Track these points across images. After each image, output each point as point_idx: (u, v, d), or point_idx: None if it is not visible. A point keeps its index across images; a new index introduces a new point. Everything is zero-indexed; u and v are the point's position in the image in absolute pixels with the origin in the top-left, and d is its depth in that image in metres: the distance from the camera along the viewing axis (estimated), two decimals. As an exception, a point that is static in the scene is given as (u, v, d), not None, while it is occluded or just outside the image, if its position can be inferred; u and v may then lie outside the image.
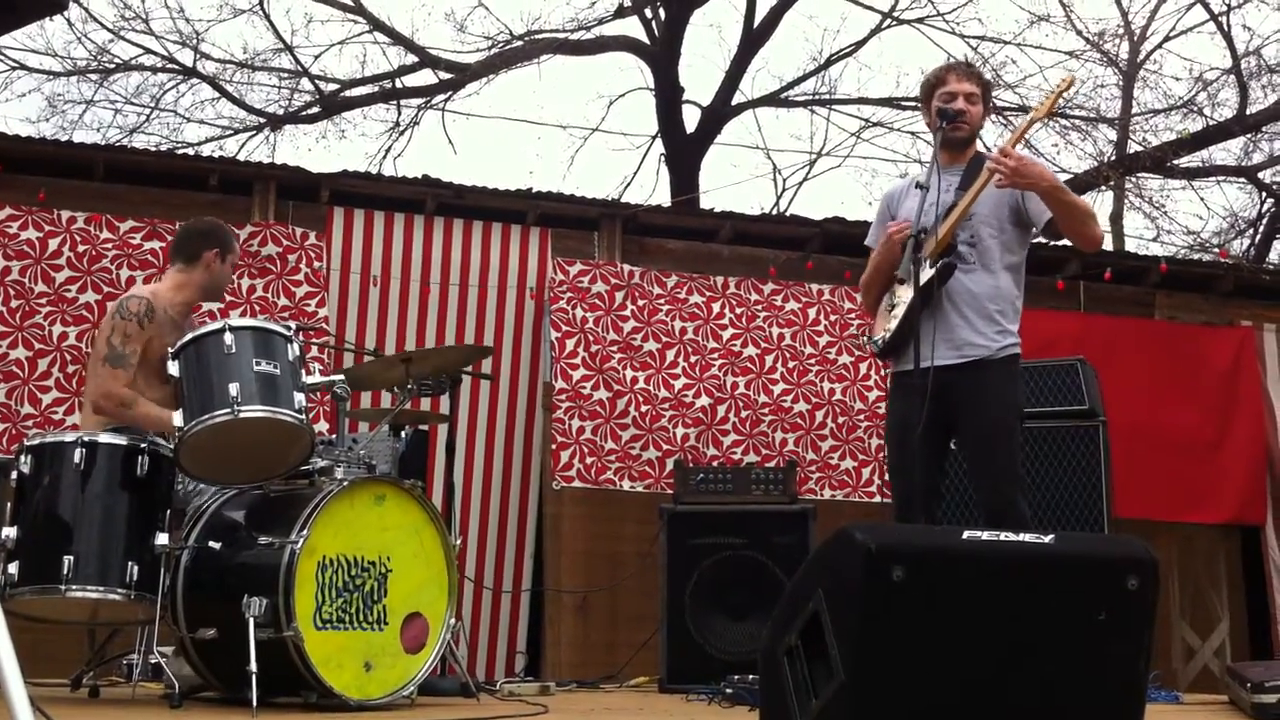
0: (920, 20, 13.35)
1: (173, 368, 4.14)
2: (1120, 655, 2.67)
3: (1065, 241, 4.87)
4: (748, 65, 13.36)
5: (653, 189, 14.22)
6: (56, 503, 4.06)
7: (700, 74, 25.83)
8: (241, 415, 4.02)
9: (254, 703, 3.76)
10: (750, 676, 4.73)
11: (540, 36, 13.27)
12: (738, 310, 7.33)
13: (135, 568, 4.00)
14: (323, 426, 5.96)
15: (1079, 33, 13.35)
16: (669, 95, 12.99)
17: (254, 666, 3.80)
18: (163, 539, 4.06)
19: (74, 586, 3.94)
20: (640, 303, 7.19)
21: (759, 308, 7.36)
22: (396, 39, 13.64)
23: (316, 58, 13.88)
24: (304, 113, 14.03)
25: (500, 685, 5.29)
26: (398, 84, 14.01)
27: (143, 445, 4.14)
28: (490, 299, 7.03)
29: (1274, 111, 12.83)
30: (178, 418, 4.06)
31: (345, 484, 4.16)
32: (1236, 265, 8.97)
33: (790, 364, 7.33)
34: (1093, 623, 2.64)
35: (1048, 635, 2.63)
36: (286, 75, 13.86)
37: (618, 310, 7.14)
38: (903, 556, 2.52)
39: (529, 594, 6.91)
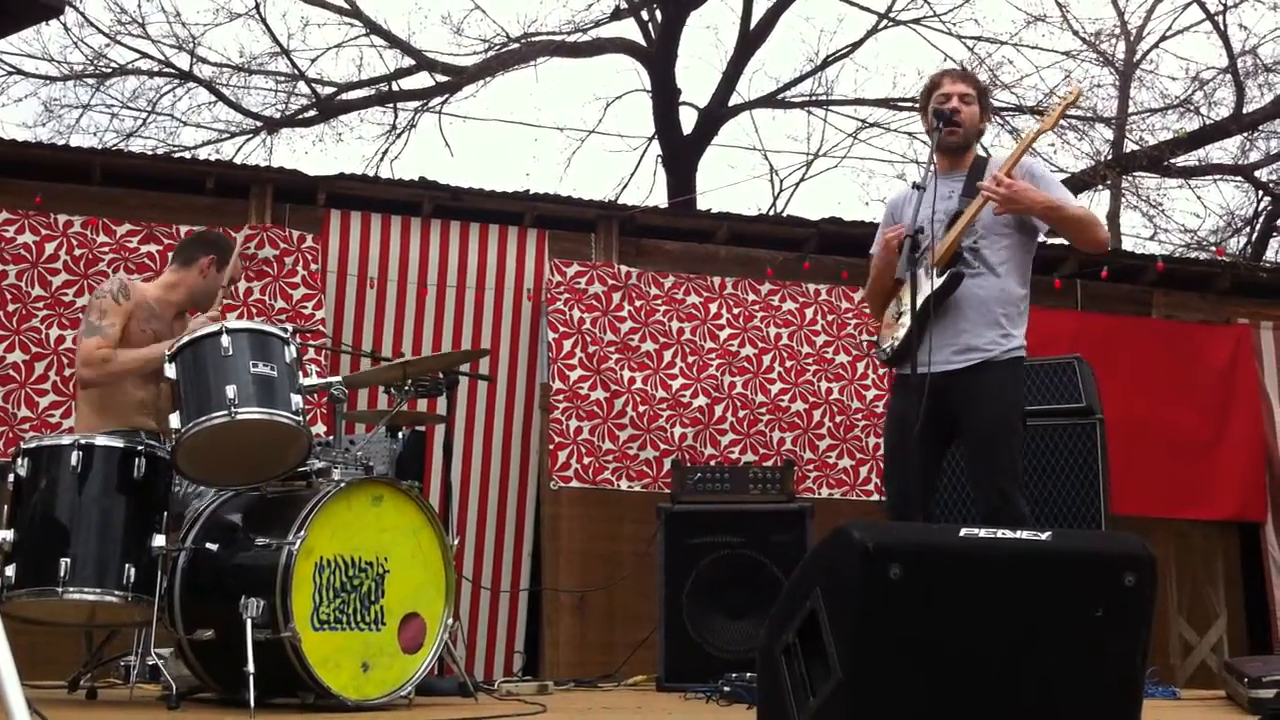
0: (917, 21, 13.35)
1: (170, 370, 4.14)
2: (1118, 652, 2.67)
3: (1063, 240, 4.88)
4: (744, 66, 13.37)
5: (650, 190, 14.21)
6: (53, 505, 4.07)
7: (697, 75, 25.85)
8: (239, 417, 4.03)
9: (252, 703, 3.76)
10: (748, 675, 4.73)
11: (537, 39, 13.27)
12: (735, 310, 7.33)
13: (132, 569, 4.01)
14: (320, 429, 5.96)
15: (1075, 33, 13.36)
16: (666, 97, 12.99)
17: (251, 667, 3.80)
18: (160, 541, 4.06)
19: (71, 589, 3.94)
20: (637, 303, 7.19)
21: (756, 308, 7.36)
22: (393, 42, 13.64)
23: (313, 61, 13.90)
24: (301, 116, 14.02)
25: (498, 685, 5.29)
26: (394, 87, 14.01)
27: (139, 447, 4.15)
28: (487, 301, 7.03)
29: (1270, 110, 12.83)
30: (175, 420, 4.06)
31: (342, 485, 4.17)
32: (1233, 263, 8.97)
33: (788, 363, 7.33)
34: (1090, 619, 2.64)
35: (1045, 632, 2.63)
36: (283, 78, 13.86)
37: (615, 311, 7.15)
38: (900, 555, 2.52)
39: (527, 594, 6.91)
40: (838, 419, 7.32)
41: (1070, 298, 7.86)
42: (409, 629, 4.24)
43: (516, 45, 13.27)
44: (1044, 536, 2.69)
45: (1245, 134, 13.35)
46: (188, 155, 10.49)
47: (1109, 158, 13.06)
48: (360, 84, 13.94)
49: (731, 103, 13.54)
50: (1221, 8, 12.87)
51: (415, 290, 6.92)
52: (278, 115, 13.86)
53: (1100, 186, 13.41)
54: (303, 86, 13.79)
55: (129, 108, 13.52)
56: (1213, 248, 13.66)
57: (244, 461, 4.20)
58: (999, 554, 2.64)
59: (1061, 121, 12.74)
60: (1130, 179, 13.64)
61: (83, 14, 12.70)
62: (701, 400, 7.16)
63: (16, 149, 6.74)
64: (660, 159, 13.41)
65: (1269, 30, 16.32)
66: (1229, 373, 7.85)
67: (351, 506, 4.18)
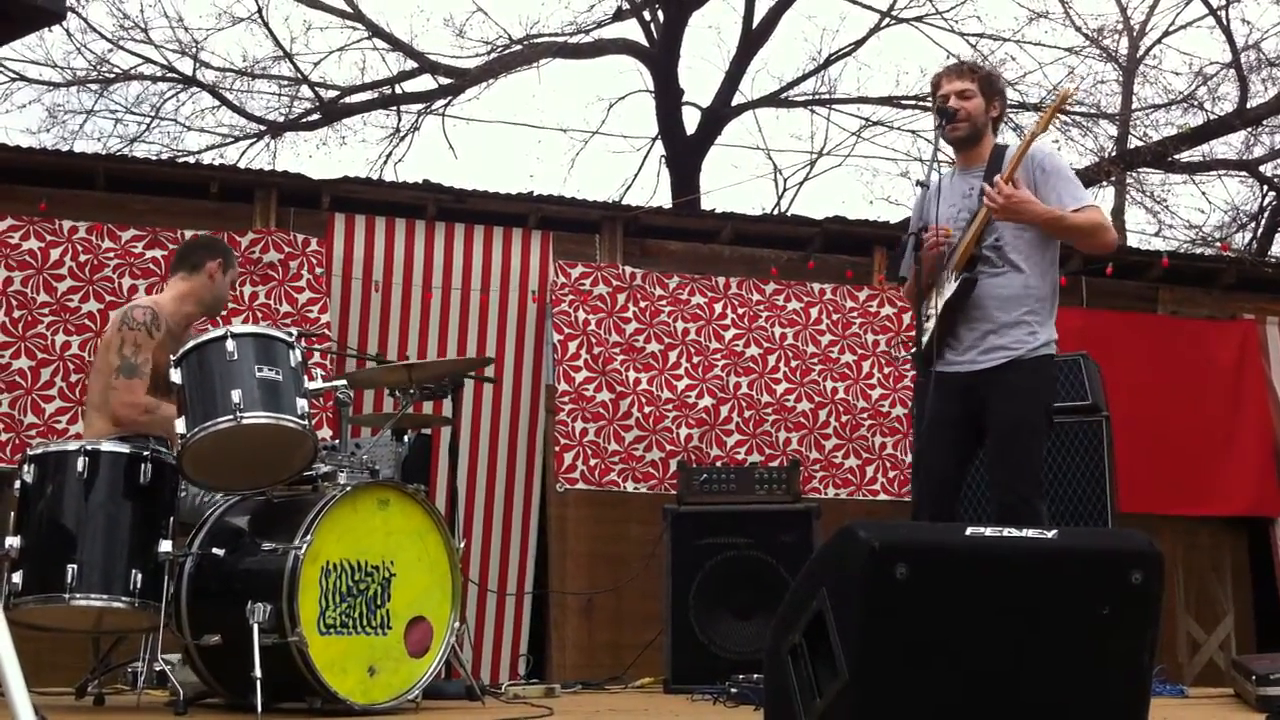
0: (919, 19, 13.35)
1: (175, 375, 4.14)
2: (1125, 649, 2.66)
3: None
4: (747, 66, 13.36)
5: (654, 191, 14.25)
6: (60, 511, 4.07)
7: (700, 75, 25.91)
8: (244, 422, 4.02)
9: (259, 709, 3.76)
10: (755, 676, 4.72)
11: (539, 40, 13.27)
12: (739, 310, 7.33)
13: (139, 575, 4.00)
14: (325, 433, 5.96)
15: (1078, 29, 13.35)
16: (669, 97, 12.99)
17: (258, 672, 3.79)
18: (166, 546, 4.06)
19: (78, 595, 3.94)
20: (642, 304, 7.19)
21: (761, 308, 7.36)
22: (395, 45, 13.64)
23: (316, 65, 13.89)
24: (304, 120, 14.02)
25: (505, 688, 5.29)
26: (397, 90, 14.01)
27: (145, 453, 4.14)
28: (492, 303, 7.03)
29: (1274, 105, 12.80)
30: (180, 425, 4.07)
31: (348, 489, 4.16)
32: (1239, 259, 8.97)
33: (793, 363, 7.33)
34: (1097, 617, 2.63)
35: (1052, 631, 2.63)
36: (286, 82, 13.86)
37: (619, 312, 7.15)
38: (906, 554, 2.52)
39: (533, 596, 6.90)
40: (844, 419, 7.31)
41: (1076, 294, 7.84)
42: (415, 633, 4.24)
43: (519, 47, 13.27)
44: (1050, 535, 2.69)
45: (1249, 129, 13.32)
46: (192, 160, 10.53)
47: (1113, 154, 13.04)
48: (363, 87, 13.95)
49: (734, 102, 13.54)
50: (1224, 2, 12.86)
51: (420, 293, 6.92)
52: (281, 119, 13.87)
53: (1105, 183, 13.39)
54: (306, 90, 13.80)
55: (133, 113, 13.54)
56: (1218, 243, 13.64)
57: (250, 466, 4.20)
58: (1005, 553, 2.64)
59: (1064, 118, 12.84)
60: (1135, 175, 13.63)
61: (85, 20, 12.73)
62: (707, 401, 7.15)
63: (21, 155, 6.75)
64: (664, 159, 13.41)
65: (1272, 25, 16.26)
66: (1237, 369, 7.84)
67: (357, 510, 4.18)
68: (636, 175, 15.43)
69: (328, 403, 5.85)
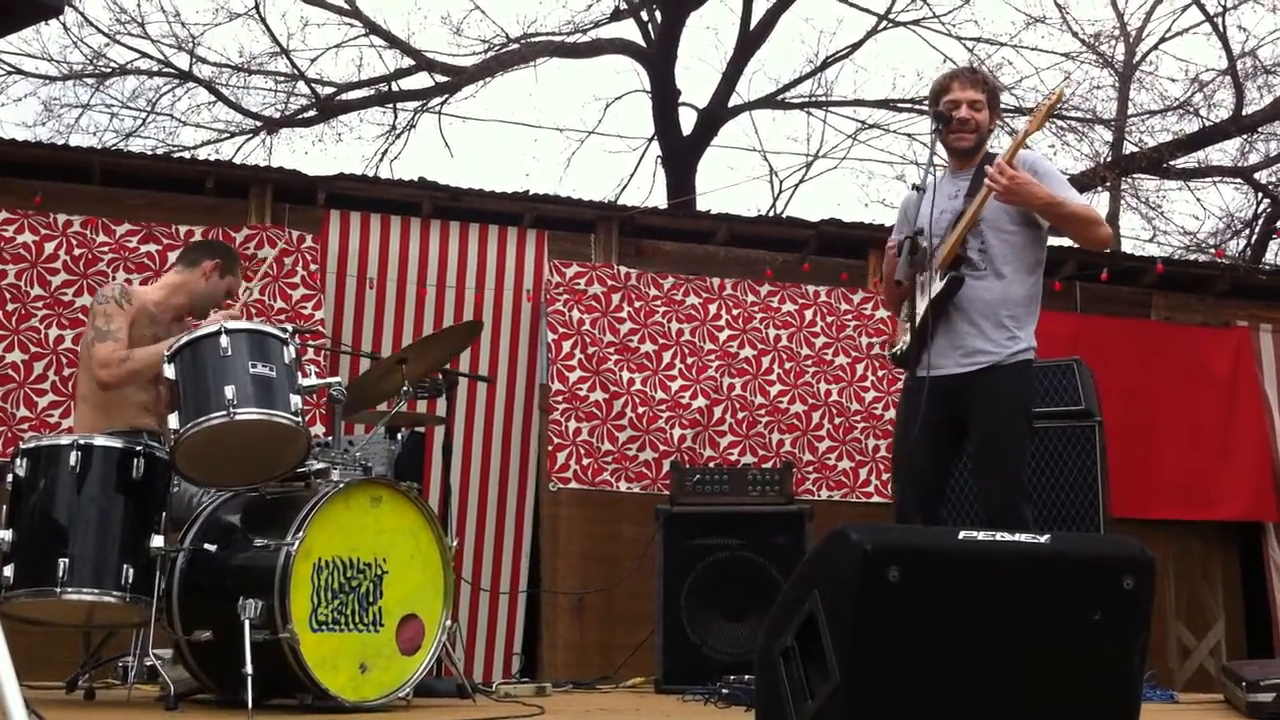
0: (916, 22, 13.35)
1: (169, 370, 4.14)
2: (1116, 654, 2.67)
3: (1062, 241, 4.88)
4: (744, 67, 13.37)
5: (649, 191, 14.21)
6: (52, 505, 4.07)
7: (697, 76, 25.88)
8: (237, 418, 4.02)
9: (250, 704, 3.76)
10: (746, 677, 4.72)
11: (536, 39, 13.27)
12: (734, 312, 7.33)
13: (131, 570, 4.00)
14: (319, 429, 5.95)
15: (1075, 34, 13.36)
16: (665, 98, 12.99)
17: (249, 668, 3.79)
18: (158, 541, 4.06)
19: (69, 589, 3.94)
20: (637, 304, 7.19)
21: (755, 309, 7.36)
22: (392, 42, 13.64)
23: (313, 61, 13.89)
24: (300, 116, 14.01)
25: (496, 686, 5.28)
26: (394, 87, 14.01)
27: (138, 448, 4.14)
28: (487, 301, 7.03)
29: (1270, 112, 12.83)
30: (174, 420, 4.06)
31: (341, 486, 4.16)
32: (1233, 266, 8.98)
33: (787, 365, 7.33)
34: (1088, 622, 2.64)
35: (1043, 635, 2.63)
36: (282, 79, 13.85)
37: (614, 312, 7.15)
38: (899, 557, 2.52)
39: (525, 595, 6.90)
40: (837, 421, 7.31)
41: (1070, 299, 7.85)
42: (407, 630, 4.23)
43: (516, 46, 13.27)
44: (1043, 539, 2.69)
45: (1245, 136, 13.35)
46: (187, 155, 10.49)
47: (1108, 159, 13.06)
48: (360, 84, 13.95)
49: (731, 103, 13.55)
50: (1221, 9, 12.88)
51: (415, 290, 6.92)
52: (277, 115, 13.86)
53: (1100, 188, 13.42)
54: (302, 86, 13.80)
55: (128, 107, 13.53)
56: (1212, 250, 13.67)
57: (243, 462, 4.19)
58: (998, 557, 2.64)
59: (1060, 123, 12.86)
60: (1130, 181, 13.65)
61: (82, 14, 12.71)
62: (701, 402, 7.15)
63: (16, 148, 6.74)
64: (660, 160, 13.41)
65: (1268, 32, 16.32)
66: (1230, 376, 7.86)
67: (350, 507, 4.18)
68: (632, 175, 15.45)
69: (321, 399, 5.84)
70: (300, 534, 3.96)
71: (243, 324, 4.34)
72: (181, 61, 13.36)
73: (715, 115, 13.39)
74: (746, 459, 7.10)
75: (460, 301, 6.98)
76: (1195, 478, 7.63)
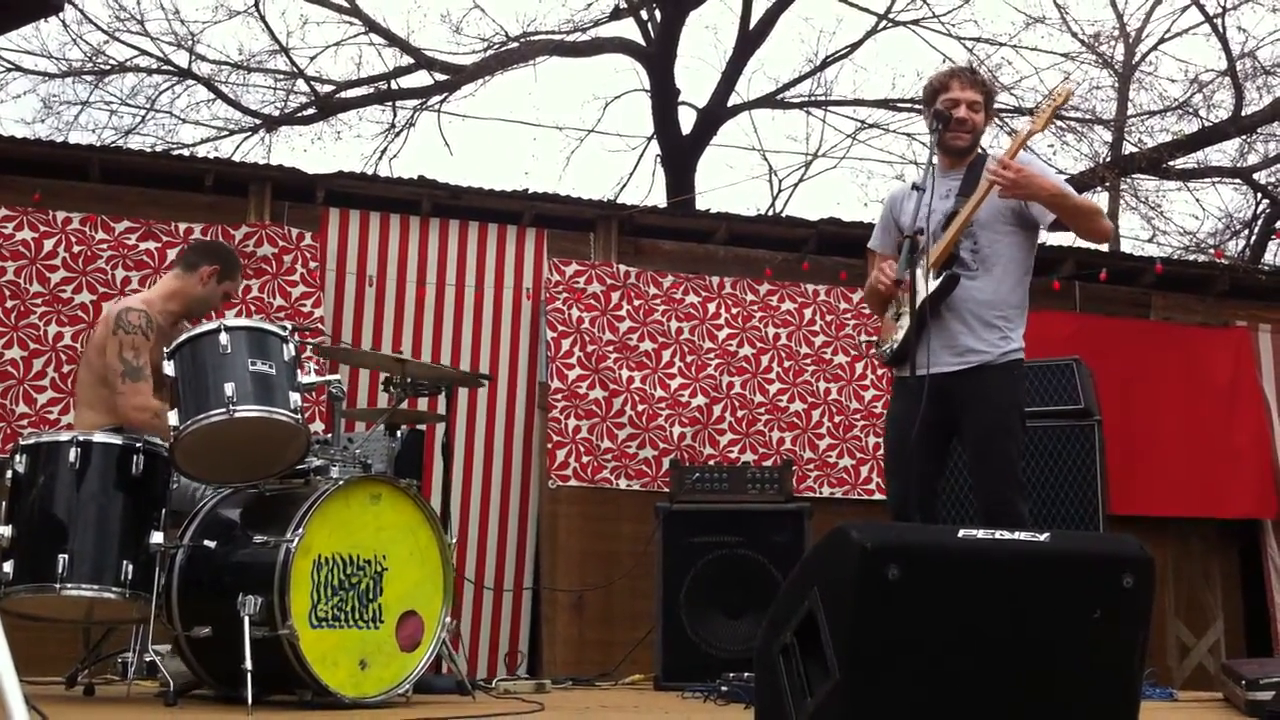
0: (915, 22, 13.34)
1: (168, 368, 4.14)
2: (1115, 653, 2.67)
3: (1061, 241, 4.89)
4: (743, 67, 13.35)
5: (649, 190, 14.21)
6: (52, 502, 4.07)
7: (696, 76, 25.88)
8: (237, 415, 4.02)
9: (249, 701, 3.76)
10: (746, 675, 4.73)
11: (536, 38, 13.25)
12: (733, 310, 7.33)
13: (130, 566, 4.01)
14: (318, 426, 5.95)
15: (1074, 35, 13.35)
16: (665, 97, 12.98)
17: (249, 664, 3.80)
18: (158, 537, 4.07)
19: (69, 585, 3.95)
20: (636, 303, 7.19)
21: (755, 308, 7.36)
22: (392, 40, 13.62)
23: (312, 59, 13.86)
24: (299, 114, 14.00)
25: (496, 683, 5.29)
26: (393, 85, 14.00)
27: (138, 444, 4.15)
28: (486, 299, 7.03)
29: (1269, 113, 12.83)
30: (173, 417, 4.06)
31: (341, 483, 4.17)
32: (1232, 266, 8.98)
33: (786, 364, 7.33)
34: (1088, 621, 2.64)
35: (1043, 633, 2.63)
36: (282, 76, 13.84)
37: (613, 310, 7.15)
38: (898, 555, 2.52)
39: (525, 592, 6.89)
40: (836, 419, 7.32)
41: (1069, 299, 7.85)
42: (407, 627, 4.24)
43: (515, 44, 13.26)
44: (1042, 538, 2.69)
45: (1244, 137, 13.35)
46: (186, 153, 10.48)
47: (1108, 160, 13.06)
48: (359, 82, 13.93)
49: (730, 103, 13.54)
50: (1220, 10, 12.87)
51: (414, 289, 6.92)
52: (276, 113, 13.84)
53: (1099, 188, 13.41)
54: (302, 84, 13.78)
55: (127, 105, 13.50)
56: (1212, 250, 13.67)
57: (242, 459, 4.20)
58: (997, 555, 2.64)
59: (1060, 123, 12.86)
60: (1129, 181, 13.64)
61: (81, 11, 12.69)
62: (700, 400, 7.16)
63: (15, 145, 6.73)
64: (659, 159, 13.40)
65: (1268, 33, 16.31)
66: (1230, 376, 7.85)
67: (350, 504, 4.18)
68: (632, 174, 15.46)
69: (320, 397, 5.84)
70: (300, 531, 3.97)
71: (242, 321, 4.35)
72: (181, 59, 13.36)
73: (715, 114, 13.39)
74: (747, 457, 7.10)
75: (460, 300, 6.98)
76: (1194, 477, 7.63)
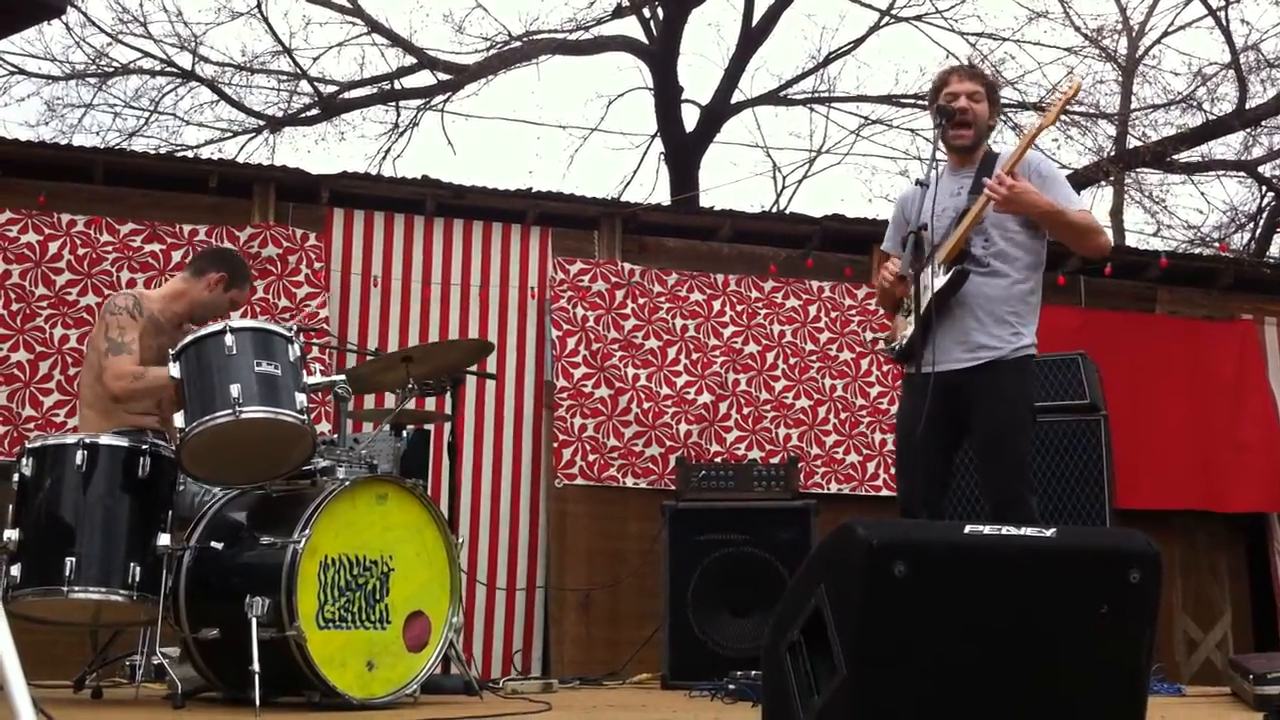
0: (919, 18, 13.34)
1: (174, 369, 4.14)
2: (1123, 648, 2.66)
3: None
4: (746, 64, 13.35)
5: (652, 188, 14.25)
6: (58, 505, 4.07)
7: (699, 73, 25.87)
8: (243, 416, 4.02)
9: (257, 702, 3.76)
10: (753, 673, 4.73)
11: (539, 37, 13.26)
12: (738, 308, 7.33)
13: (137, 569, 4.01)
14: (325, 427, 5.96)
15: (1077, 29, 13.35)
16: (668, 94, 12.98)
17: (257, 666, 3.80)
18: (165, 540, 4.07)
19: (76, 588, 3.94)
20: (641, 301, 7.19)
21: (759, 305, 7.36)
22: (395, 40, 13.63)
23: (315, 60, 13.92)
24: (303, 115, 14.02)
25: (503, 683, 5.29)
26: (396, 85, 14.01)
27: (144, 446, 4.15)
28: (491, 298, 7.03)
29: (1273, 105, 12.81)
30: (179, 419, 4.06)
31: (347, 484, 4.17)
32: (1237, 259, 8.98)
33: (791, 360, 7.33)
34: (1095, 616, 2.63)
35: (1050, 629, 2.62)
36: (285, 77, 13.87)
37: (618, 308, 7.15)
38: (904, 552, 2.52)
39: (534, 591, 6.89)
40: (842, 416, 7.32)
41: (1074, 294, 7.85)
42: (414, 627, 4.24)
43: (518, 43, 13.27)
44: (1049, 533, 2.68)
45: (1248, 130, 13.32)
46: (190, 154, 10.49)
47: (1112, 154, 13.04)
48: (362, 82, 13.95)
49: (734, 100, 13.54)
50: (1224, 3, 12.85)
51: (419, 288, 6.93)
52: (280, 114, 13.87)
53: (1103, 183, 13.40)
54: (305, 85, 13.80)
55: (131, 107, 13.54)
56: (1216, 244, 13.65)
57: (248, 460, 4.20)
58: (1004, 551, 2.63)
59: (1064, 117, 12.84)
60: (1133, 175, 13.63)
61: (85, 13, 12.71)
62: (706, 397, 7.16)
63: (19, 148, 6.74)
64: (663, 156, 13.41)
65: (1271, 25, 16.28)
66: (1236, 370, 7.85)
67: (356, 505, 4.19)
68: (635, 172, 15.42)
69: (326, 397, 5.84)
70: (307, 532, 3.97)
71: (248, 322, 4.34)
72: (184, 61, 13.39)
73: (718, 112, 13.38)
74: (754, 454, 7.09)
75: (465, 299, 6.99)
76: (1201, 471, 7.62)
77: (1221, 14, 12.92)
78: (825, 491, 7.04)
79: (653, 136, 13.70)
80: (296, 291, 6.63)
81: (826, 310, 7.44)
